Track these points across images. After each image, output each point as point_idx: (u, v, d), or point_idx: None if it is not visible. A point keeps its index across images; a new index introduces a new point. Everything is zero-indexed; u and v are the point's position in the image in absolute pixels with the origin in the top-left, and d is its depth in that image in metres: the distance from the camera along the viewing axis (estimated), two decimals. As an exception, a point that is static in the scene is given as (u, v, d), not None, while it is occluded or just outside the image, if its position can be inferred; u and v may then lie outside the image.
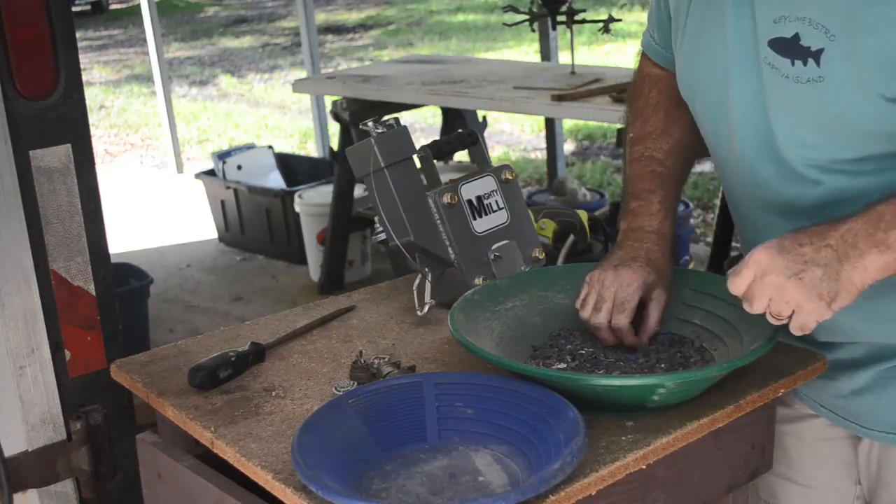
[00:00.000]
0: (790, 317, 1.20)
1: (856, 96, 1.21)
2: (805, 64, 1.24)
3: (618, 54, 9.56)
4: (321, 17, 13.41)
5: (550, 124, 5.28)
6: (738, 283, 1.21)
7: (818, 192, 1.30)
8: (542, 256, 1.64)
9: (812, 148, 1.29)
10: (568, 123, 6.80)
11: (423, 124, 7.67)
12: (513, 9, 3.88)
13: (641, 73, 1.58)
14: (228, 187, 5.12)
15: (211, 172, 5.29)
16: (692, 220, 4.77)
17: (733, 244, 3.53)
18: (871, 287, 1.31)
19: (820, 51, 1.22)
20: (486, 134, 5.22)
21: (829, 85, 1.23)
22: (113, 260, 2.02)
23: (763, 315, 1.33)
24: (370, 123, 1.56)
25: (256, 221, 5.09)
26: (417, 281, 1.59)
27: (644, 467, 1.18)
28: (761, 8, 1.29)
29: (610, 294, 1.38)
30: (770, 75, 1.28)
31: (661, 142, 1.51)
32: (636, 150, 1.52)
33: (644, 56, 1.59)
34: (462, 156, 4.71)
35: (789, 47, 1.25)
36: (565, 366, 1.34)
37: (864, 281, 1.18)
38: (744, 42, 1.31)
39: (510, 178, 1.63)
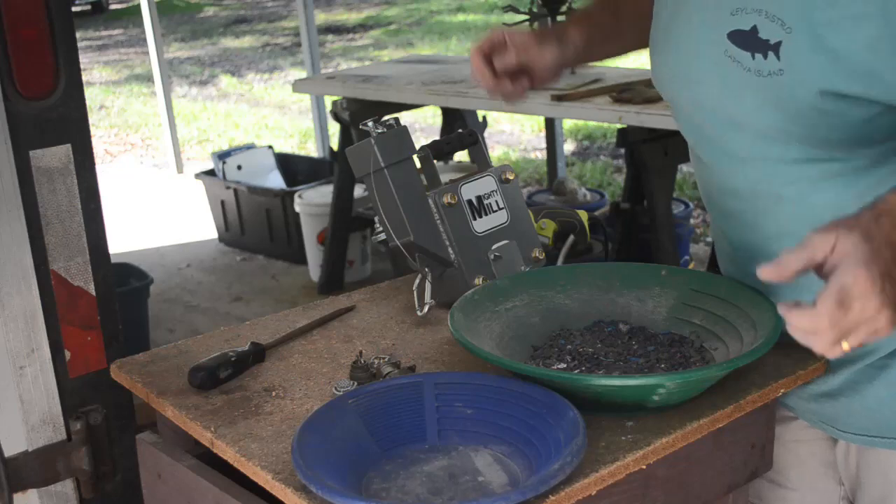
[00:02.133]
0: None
1: (813, 92, 1.19)
2: (765, 57, 1.21)
3: (618, 54, 9.55)
4: (321, 17, 13.43)
5: (550, 124, 5.28)
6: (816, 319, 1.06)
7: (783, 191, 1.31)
8: (542, 256, 1.63)
9: (773, 142, 1.27)
10: (568, 123, 6.80)
11: (423, 124, 7.68)
12: (513, 9, 3.88)
13: None
14: (228, 187, 5.12)
15: (211, 172, 5.29)
16: (692, 220, 4.77)
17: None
18: None
19: (778, 43, 1.20)
20: (486, 134, 5.23)
21: (789, 78, 1.20)
22: (113, 260, 2.02)
23: (762, 315, 1.32)
24: (370, 123, 1.56)
25: (256, 221, 5.09)
26: (417, 281, 1.59)
27: (644, 467, 1.18)
28: None
29: None
30: (733, 68, 1.26)
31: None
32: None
33: None
34: (462, 156, 4.72)
35: (748, 40, 1.23)
36: (565, 366, 1.34)
37: None
38: (707, 34, 1.29)
39: (510, 178, 1.63)
